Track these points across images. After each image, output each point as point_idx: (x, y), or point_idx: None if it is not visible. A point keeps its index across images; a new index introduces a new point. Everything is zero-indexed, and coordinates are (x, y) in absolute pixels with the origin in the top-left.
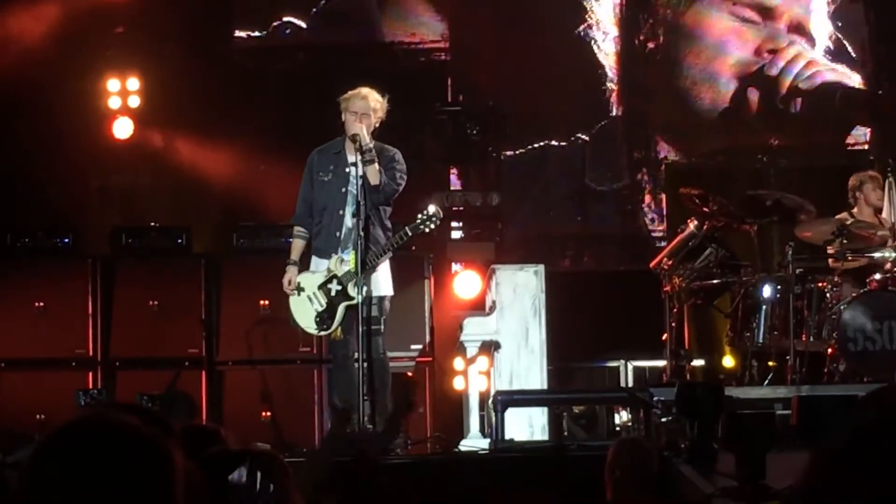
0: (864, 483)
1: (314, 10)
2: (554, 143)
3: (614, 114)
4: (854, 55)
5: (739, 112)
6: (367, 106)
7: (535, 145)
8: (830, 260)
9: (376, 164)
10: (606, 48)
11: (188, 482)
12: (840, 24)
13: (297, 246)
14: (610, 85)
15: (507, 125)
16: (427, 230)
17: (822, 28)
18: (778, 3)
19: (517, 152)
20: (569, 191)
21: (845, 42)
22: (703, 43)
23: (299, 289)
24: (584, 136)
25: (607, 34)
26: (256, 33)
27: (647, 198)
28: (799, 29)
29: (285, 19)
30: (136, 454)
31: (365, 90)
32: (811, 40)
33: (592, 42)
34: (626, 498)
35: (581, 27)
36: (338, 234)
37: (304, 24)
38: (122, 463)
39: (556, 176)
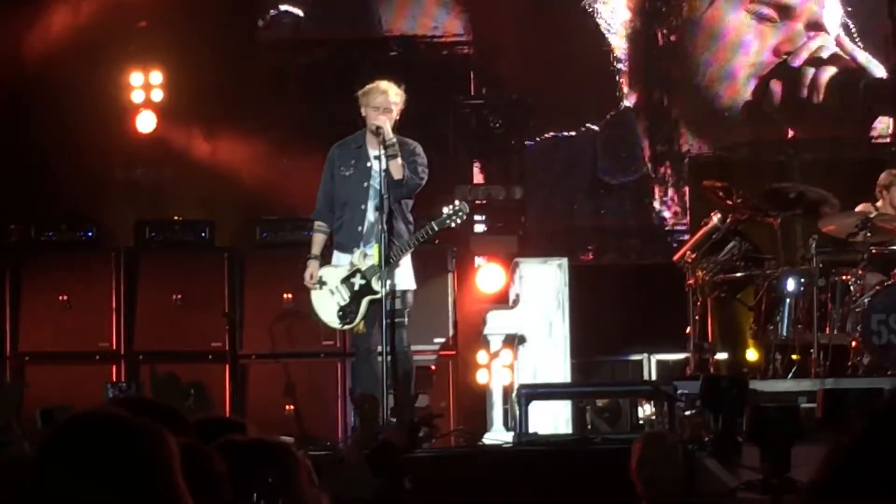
0: (879, 474)
1: None
2: (564, 133)
3: (625, 103)
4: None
5: (762, 104)
6: (387, 100)
7: (547, 135)
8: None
9: (399, 159)
10: (615, 28)
11: (208, 468)
12: (857, 15)
13: (318, 240)
14: (620, 67)
15: (530, 118)
16: (454, 224)
17: (835, 22)
18: (796, 3)
19: (536, 140)
20: (579, 183)
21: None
22: (722, 41)
23: (321, 282)
24: (594, 126)
25: (615, 12)
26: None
27: (671, 191)
28: (816, 27)
29: (283, 8)
30: (127, 444)
31: (384, 84)
32: (825, 33)
33: (598, 16)
34: (656, 493)
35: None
36: (360, 228)
37: (300, 13)
38: (113, 453)
39: (567, 167)
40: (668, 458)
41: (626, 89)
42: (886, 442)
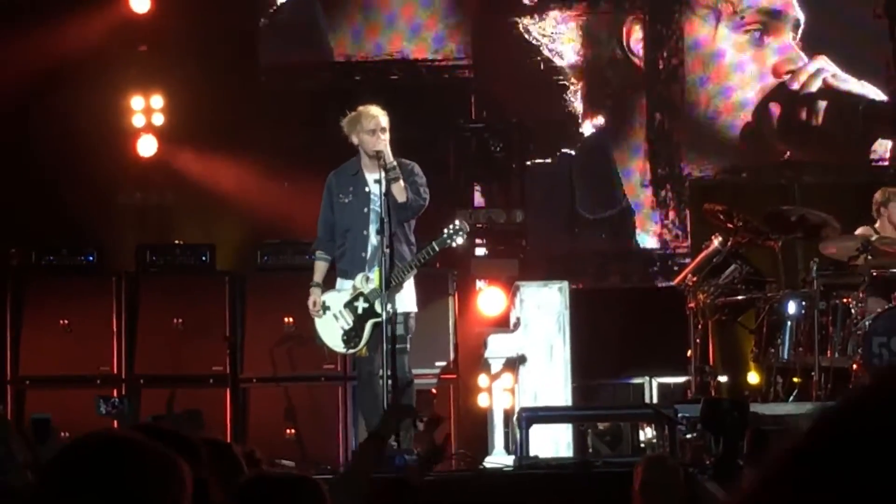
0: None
1: (262, 21)
2: (539, 161)
3: (591, 128)
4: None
5: (762, 127)
6: (379, 122)
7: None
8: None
9: (402, 181)
10: (560, 48)
11: (209, 498)
12: (853, 43)
13: (320, 268)
14: (570, 93)
15: (530, 141)
16: (454, 244)
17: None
18: (781, 8)
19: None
20: (557, 214)
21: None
22: (721, 64)
23: (324, 307)
24: (570, 151)
25: (557, 41)
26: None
27: (672, 214)
28: (797, 27)
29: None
30: (141, 469)
31: (371, 107)
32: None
33: (528, 34)
34: None
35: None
36: (363, 254)
37: None
38: (127, 478)
39: (545, 197)
40: (670, 481)
41: (581, 110)
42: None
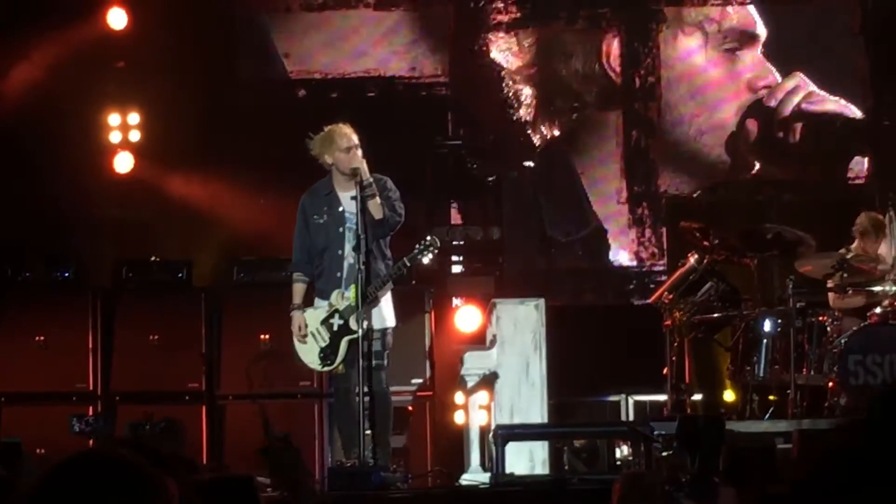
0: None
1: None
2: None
3: (537, 140)
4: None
5: (738, 144)
6: (352, 139)
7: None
8: (830, 294)
9: (378, 198)
10: (513, 72)
11: None
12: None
13: (299, 290)
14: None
15: (507, 159)
16: (426, 259)
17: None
18: (755, 29)
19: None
20: (530, 233)
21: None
22: (696, 82)
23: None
24: (529, 164)
25: (507, 57)
26: None
27: (648, 231)
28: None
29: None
30: (134, 488)
31: (342, 125)
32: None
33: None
34: None
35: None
36: (339, 273)
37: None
38: (120, 497)
39: (514, 215)
40: (649, 498)
41: (529, 121)
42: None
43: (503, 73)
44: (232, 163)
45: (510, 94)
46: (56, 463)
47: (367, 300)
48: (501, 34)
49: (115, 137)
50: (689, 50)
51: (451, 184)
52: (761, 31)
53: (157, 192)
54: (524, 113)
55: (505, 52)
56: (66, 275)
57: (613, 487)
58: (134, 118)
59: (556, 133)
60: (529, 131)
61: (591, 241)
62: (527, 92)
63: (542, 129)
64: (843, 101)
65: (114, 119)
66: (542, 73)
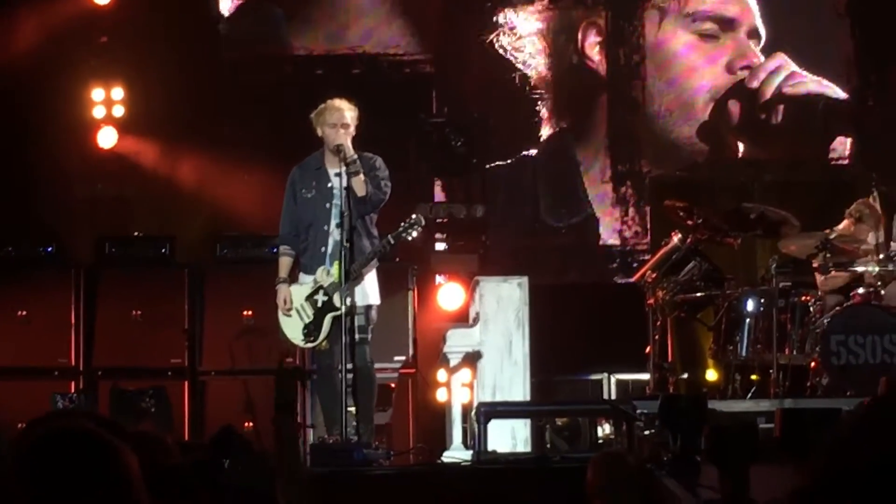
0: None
1: (220, 28)
2: (501, 162)
3: (545, 130)
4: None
5: (720, 125)
6: (343, 116)
7: (488, 166)
8: (818, 276)
9: (362, 175)
10: (526, 56)
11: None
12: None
13: (285, 264)
14: (537, 93)
15: (491, 137)
16: (410, 237)
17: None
18: (736, 14)
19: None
20: (521, 220)
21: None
22: (675, 64)
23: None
24: (531, 153)
25: (523, 40)
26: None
27: (631, 210)
28: (755, 34)
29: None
30: (94, 458)
31: (338, 101)
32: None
33: (499, 46)
34: None
35: (491, 36)
36: (323, 249)
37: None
38: (80, 467)
39: (508, 202)
40: (623, 477)
41: (546, 114)
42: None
43: (513, 74)
44: (216, 138)
45: (517, 79)
46: (16, 435)
47: (352, 277)
48: (499, 34)
49: (98, 112)
50: (670, 30)
51: (435, 161)
52: (754, 24)
53: (140, 167)
54: (529, 103)
55: (509, 50)
56: (49, 250)
57: (588, 468)
58: (118, 93)
59: (564, 124)
60: (537, 119)
61: (582, 228)
62: (535, 92)
63: (552, 117)
64: (825, 82)
65: (97, 94)
66: (545, 70)
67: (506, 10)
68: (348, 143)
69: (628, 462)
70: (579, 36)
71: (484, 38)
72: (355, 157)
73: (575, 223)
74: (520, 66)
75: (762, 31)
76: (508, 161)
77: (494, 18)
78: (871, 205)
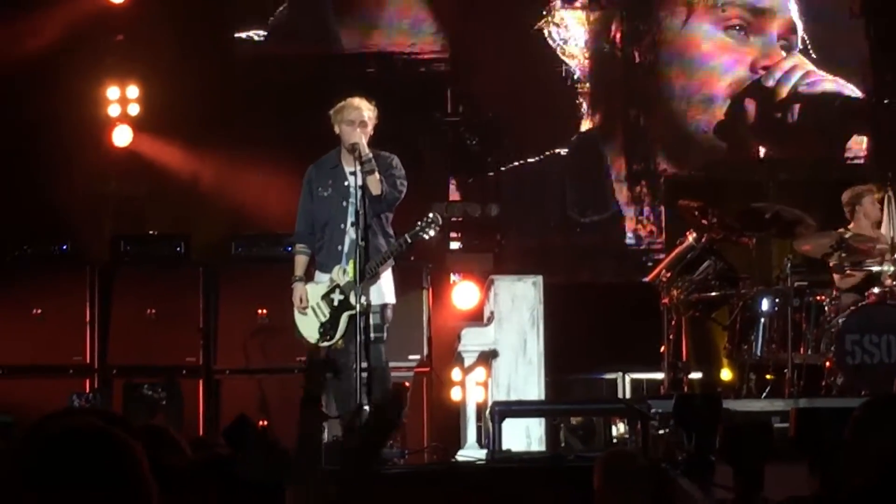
0: None
1: (271, 19)
2: (530, 160)
3: (586, 125)
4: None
5: (736, 124)
6: (361, 114)
7: (514, 164)
8: (835, 275)
9: (377, 174)
10: (572, 50)
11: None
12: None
13: (301, 262)
14: (579, 89)
15: (506, 136)
16: (427, 236)
17: (799, 25)
18: (769, 6)
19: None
20: (548, 218)
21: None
22: (697, 61)
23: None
24: (560, 151)
25: (571, 34)
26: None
27: (646, 209)
28: (790, 30)
29: (243, 35)
30: (103, 455)
31: (357, 99)
32: (796, 42)
33: (550, 39)
34: None
35: (541, 24)
36: (340, 247)
37: (260, 37)
38: (90, 464)
39: (535, 201)
40: (632, 479)
41: (586, 110)
42: None
43: (558, 67)
44: (231, 137)
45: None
46: (24, 431)
47: (368, 276)
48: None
49: (113, 111)
50: (690, 27)
51: (449, 160)
52: (788, 14)
53: (155, 165)
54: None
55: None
56: (64, 248)
57: (595, 467)
58: (133, 91)
59: (599, 121)
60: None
61: (608, 225)
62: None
63: (588, 113)
64: (841, 81)
65: (112, 92)
66: (586, 62)
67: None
68: (363, 142)
69: (636, 461)
70: (612, 28)
71: (536, 29)
72: (370, 155)
73: (600, 220)
74: (565, 59)
75: (799, 26)
76: (539, 158)
77: (544, 11)
78: (868, 188)
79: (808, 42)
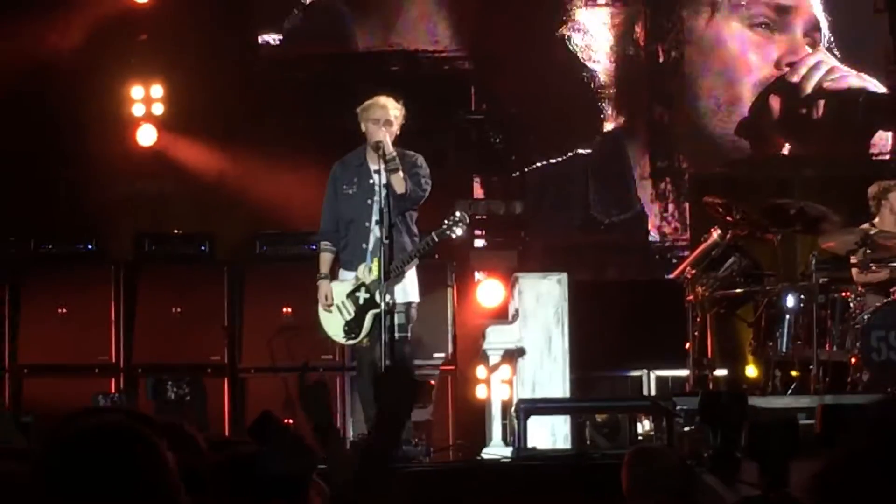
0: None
1: (286, 23)
2: (552, 160)
3: (608, 125)
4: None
5: (761, 121)
6: (387, 113)
7: (536, 165)
8: (854, 270)
9: (401, 172)
10: (596, 54)
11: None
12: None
13: (326, 259)
14: (603, 92)
15: (530, 134)
16: (454, 235)
17: (824, 22)
18: (793, 3)
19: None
20: (572, 219)
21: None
22: (721, 58)
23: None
24: (583, 151)
25: (595, 38)
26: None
27: (671, 206)
28: (814, 27)
29: (260, 39)
30: (132, 454)
31: (383, 98)
32: (820, 35)
33: (572, 44)
34: None
35: (562, 29)
36: (364, 245)
37: (276, 41)
38: (118, 463)
39: (558, 202)
40: (662, 475)
41: (609, 112)
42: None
43: (583, 73)
44: (255, 136)
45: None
46: (54, 431)
47: (393, 275)
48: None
49: (138, 110)
50: (715, 24)
51: (473, 158)
52: (813, 14)
53: (179, 164)
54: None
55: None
56: (89, 247)
57: (623, 464)
58: (157, 91)
59: (621, 119)
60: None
61: (632, 224)
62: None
63: (612, 114)
64: (866, 76)
65: (137, 92)
66: (609, 64)
67: (576, 4)
68: (387, 140)
69: (666, 457)
70: (636, 28)
71: (559, 34)
72: (394, 154)
73: (623, 220)
74: (589, 63)
75: (823, 24)
76: (561, 158)
77: (564, 16)
78: (884, 183)
79: (832, 39)
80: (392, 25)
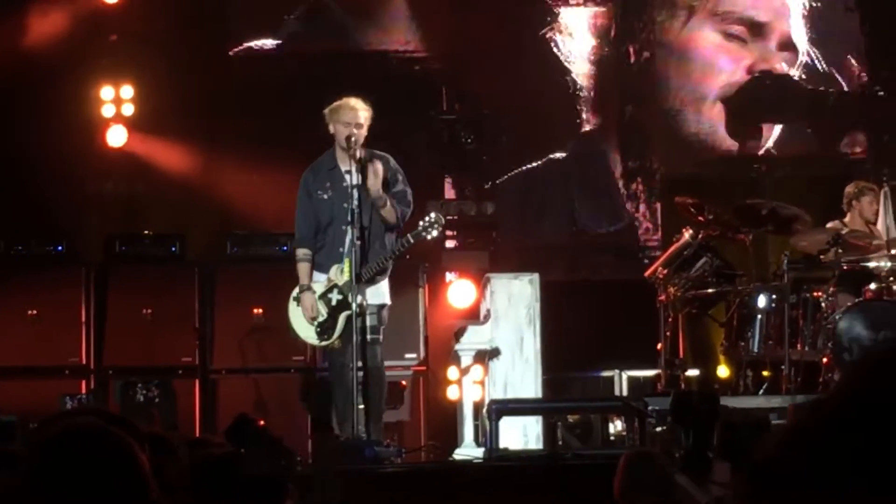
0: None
1: (284, 20)
2: (528, 165)
3: (586, 128)
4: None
5: (731, 121)
6: (357, 116)
7: (514, 172)
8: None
9: (388, 204)
10: (576, 57)
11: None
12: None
13: (306, 270)
14: (581, 94)
15: (501, 134)
16: (429, 236)
17: (803, 41)
18: (767, 21)
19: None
20: (558, 229)
21: (813, 53)
22: (694, 62)
23: (296, 299)
24: (558, 155)
25: (577, 40)
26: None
27: (643, 207)
28: (788, 46)
29: (252, 44)
30: (109, 457)
31: (353, 100)
32: (796, 54)
33: (554, 46)
34: None
35: (545, 30)
36: (341, 249)
37: (269, 44)
38: (96, 465)
39: (540, 209)
40: (654, 480)
41: (585, 116)
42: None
43: (565, 76)
44: (225, 136)
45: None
46: (31, 437)
47: (366, 276)
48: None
49: (108, 111)
50: (686, 26)
51: (445, 158)
52: (786, 30)
53: (150, 165)
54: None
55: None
56: (59, 249)
57: (618, 470)
58: (127, 92)
59: (598, 122)
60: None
61: (625, 236)
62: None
63: (587, 117)
64: (836, 76)
65: (107, 93)
66: (588, 66)
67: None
68: (357, 145)
69: (660, 460)
70: (613, 26)
71: (542, 36)
72: (381, 193)
73: (615, 231)
74: (567, 64)
75: (799, 45)
76: (539, 163)
77: (542, 17)
78: (871, 187)
79: (813, 55)
80: (387, 26)
